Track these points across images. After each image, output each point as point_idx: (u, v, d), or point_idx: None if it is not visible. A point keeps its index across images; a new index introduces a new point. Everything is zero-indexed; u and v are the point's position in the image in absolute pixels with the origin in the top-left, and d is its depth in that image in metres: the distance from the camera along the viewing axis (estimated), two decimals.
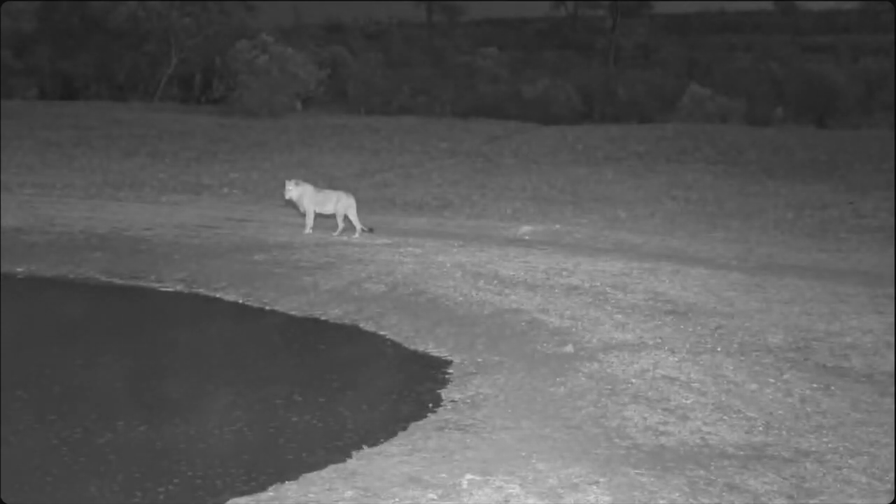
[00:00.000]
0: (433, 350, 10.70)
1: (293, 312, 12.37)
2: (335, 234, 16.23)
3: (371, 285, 12.93)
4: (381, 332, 11.46)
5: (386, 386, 9.56)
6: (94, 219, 17.22)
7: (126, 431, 7.93)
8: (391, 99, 47.13)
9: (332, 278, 13.32)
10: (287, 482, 6.77)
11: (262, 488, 6.71)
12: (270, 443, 7.88)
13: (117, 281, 13.73)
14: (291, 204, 16.77)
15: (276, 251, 14.86)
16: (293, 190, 16.26)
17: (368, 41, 63.67)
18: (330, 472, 6.94)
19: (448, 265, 13.92)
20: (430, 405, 8.80)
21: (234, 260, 14.40)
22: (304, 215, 16.51)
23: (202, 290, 13.27)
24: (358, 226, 16.32)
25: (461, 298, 12.16)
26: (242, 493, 6.66)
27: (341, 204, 16.36)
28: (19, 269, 14.05)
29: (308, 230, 16.32)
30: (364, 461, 7.18)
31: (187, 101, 47.57)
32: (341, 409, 8.76)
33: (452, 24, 75.43)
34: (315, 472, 6.93)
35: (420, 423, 8.21)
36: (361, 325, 11.79)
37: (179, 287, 13.44)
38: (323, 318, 12.12)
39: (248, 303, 12.80)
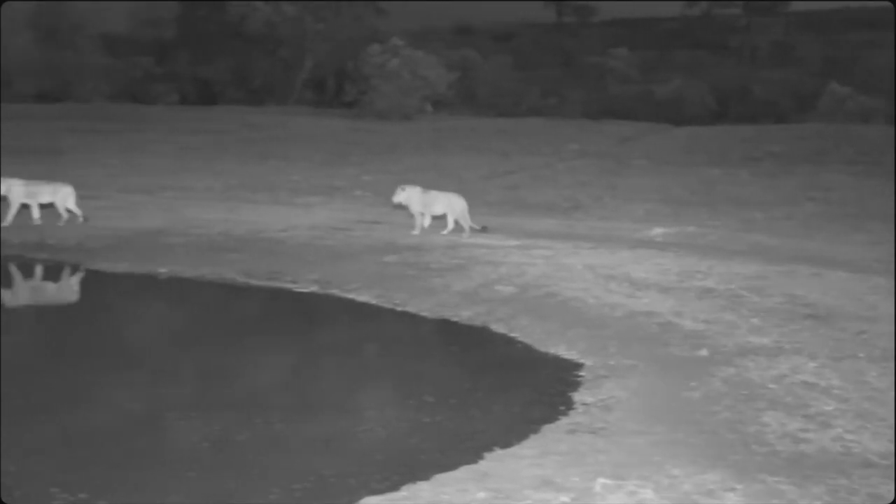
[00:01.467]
0: (564, 352, 10.62)
1: (424, 313, 12.44)
2: (444, 231, 16.58)
3: (501, 287, 12.93)
4: (512, 334, 11.43)
5: (517, 388, 9.54)
6: (231, 221, 17.66)
7: (263, 429, 8.10)
8: (520, 101, 47.14)
9: (462, 280, 13.36)
10: (419, 482, 6.81)
11: (395, 488, 6.76)
12: (403, 443, 7.93)
13: (254, 282, 14.02)
14: (401, 208, 17.10)
15: (407, 253, 14.99)
16: (400, 194, 16.80)
17: (497, 43, 63.76)
18: (462, 473, 6.95)
19: (579, 267, 13.84)
20: (562, 408, 8.73)
21: (366, 261, 14.58)
22: (414, 217, 16.91)
23: (336, 291, 13.46)
24: (467, 227, 16.52)
25: (592, 301, 12.06)
26: (375, 493, 6.72)
27: (453, 206, 16.65)
28: (162, 270, 14.48)
29: (417, 231, 16.69)
30: (496, 463, 7.17)
31: (320, 104, 48.40)
32: (473, 411, 8.77)
33: (583, 24, 75.00)
34: (447, 473, 6.95)
35: (552, 425, 8.16)
36: (492, 326, 11.78)
37: (314, 288, 13.65)
38: (454, 319, 12.16)
39: (381, 304, 12.92)
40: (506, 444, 7.64)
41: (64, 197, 17.05)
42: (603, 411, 8.47)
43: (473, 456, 7.38)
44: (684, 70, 52.78)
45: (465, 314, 12.22)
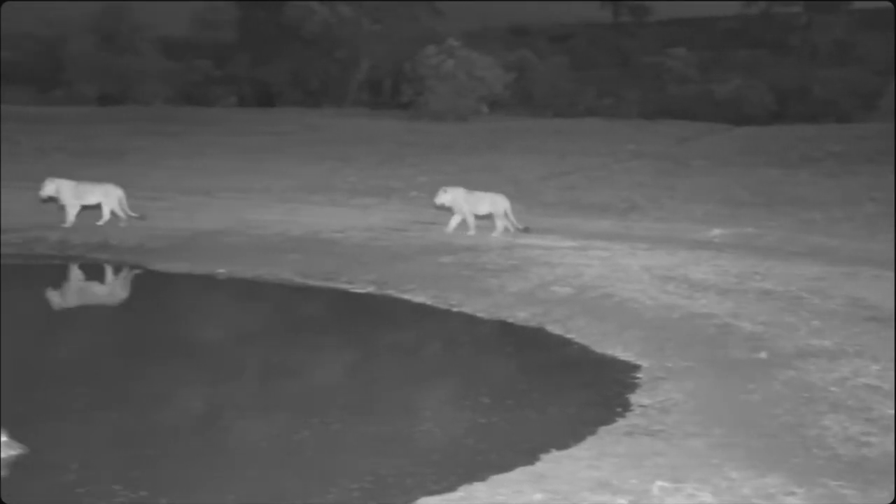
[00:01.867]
0: (621, 354, 10.57)
1: (480, 314, 12.45)
2: (494, 234, 16.51)
3: (558, 288, 12.89)
4: (568, 336, 11.40)
5: (573, 389, 9.51)
6: (288, 221, 17.78)
7: (321, 429, 8.15)
8: (577, 101, 46.96)
9: (518, 281, 13.34)
10: (476, 483, 6.81)
11: (452, 488, 6.77)
12: (459, 443, 7.95)
13: (311, 282, 14.12)
14: (444, 209, 17.22)
15: (462, 254, 14.99)
16: (443, 196, 16.95)
17: (554, 43, 63.54)
18: (518, 474, 6.94)
19: (636, 268, 13.75)
20: (619, 410, 8.69)
21: (421, 262, 14.61)
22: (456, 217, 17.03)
23: (392, 292, 13.51)
24: (511, 226, 16.66)
25: (650, 302, 11.99)
26: (432, 493, 6.73)
27: (497, 205, 16.66)
28: (220, 271, 14.63)
29: (472, 231, 16.73)
30: (553, 464, 7.15)
31: (377, 106, 48.58)
32: (529, 412, 8.77)
33: (640, 24, 74.48)
34: (504, 474, 6.94)
35: (609, 427, 8.13)
36: (548, 327, 11.76)
37: (370, 289, 13.72)
38: (510, 320, 12.16)
39: (437, 304, 12.94)
40: (562, 446, 7.62)
41: (114, 198, 17.21)
42: (660, 413, 8.41)
43: (530, 457, 7.37)
44: (743, 69, 52.18)
45: (521, 315, 12.21)
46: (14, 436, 7.41)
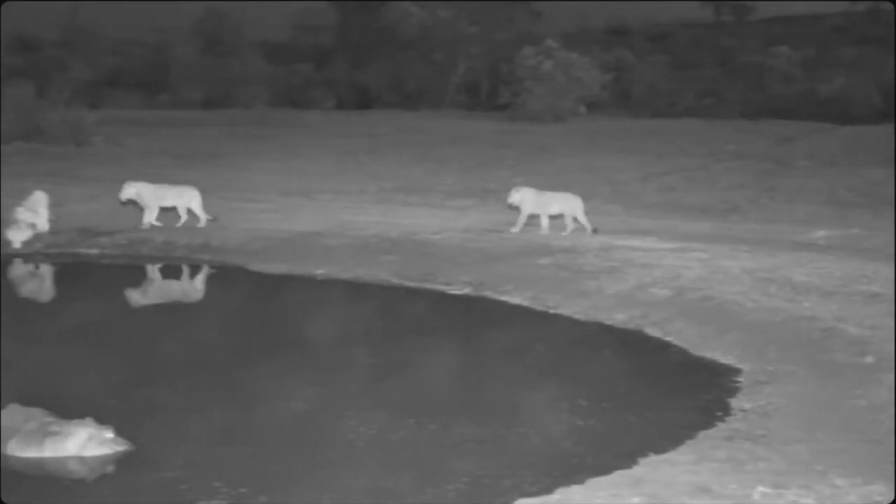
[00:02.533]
0: (721, 357, 10.41)
1: (577, 316, 12.38)
2: (564, 233, 16.59)
3: (656, 290, 12.75)
4: (667, 338, 11.28)
5: (672, 392, 9.40)
6: (385, 223, 17.90)
7: (417, 429, 8.19)
8: (676, 101, 46.40)
9: (616, 283, 13.23)
10: (573, 486, 6.77)
11: (548, 491, 6.74)
12: (556, 446, 7.91)
13: (408, 283, 14.20)
14: (513, 208, 17.20)
15: (559, 255, 14.92)
16: (514, 195, 17.00)
17: (653, 43, 62.90)
18: (616, 477, 6.88)
19: (736, 270, 13.53)
20: (719, 414, 8.57)
21: (518, 264, 14.58)
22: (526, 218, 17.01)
23: (489, 293, 13.51)
24: (588, 226, 16.65)
25: (750, 305, 11.78)
26: (529, 495, 6.71)
27: (568, 205, 16.83)
28: (319, 272, 14.80)
29: (516, 229, 16.80)
30: (650, 468, 7.07)
31: (474, 107, 48.60)
32: (626, 415, 8.69)
33: (741, 23, 73.33)
34: (601, 478, 6.89)
35: (708, 431, 8.01)
36: (646, 330, 11.64)
37: (467, 290, 13.74)
38: (607, 322, 12.06)
39: (533, 306, 12.91)
40: (660, 450, 7.54)
41: (189, 200, 17.49)
42: (762, 418, 8.27)
43: (627, 461, 7.31)
44: (849, 67, 50.98)
45: (619, 317, 12.11)
46: (120, 433, 7.60)
